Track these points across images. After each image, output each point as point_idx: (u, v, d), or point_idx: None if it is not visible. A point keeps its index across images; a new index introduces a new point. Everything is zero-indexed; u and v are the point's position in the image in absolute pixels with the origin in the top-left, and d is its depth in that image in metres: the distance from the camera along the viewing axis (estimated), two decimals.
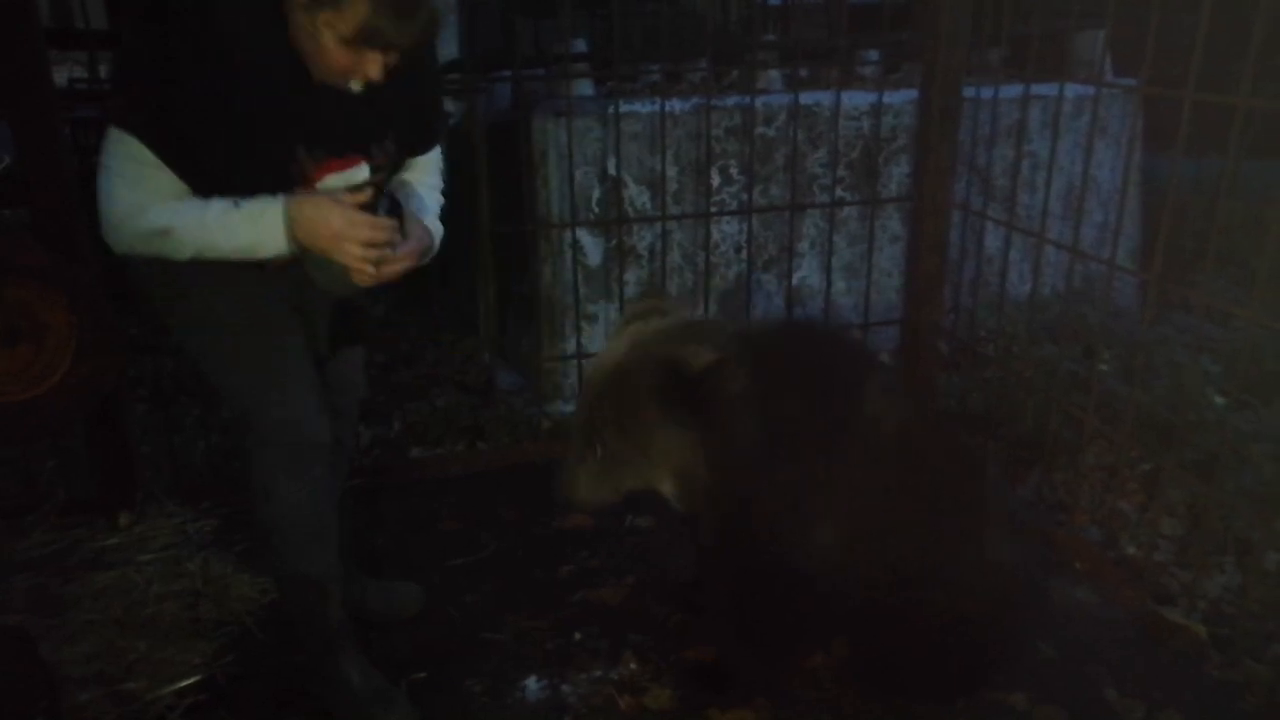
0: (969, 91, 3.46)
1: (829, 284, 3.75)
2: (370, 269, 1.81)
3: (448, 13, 5.50)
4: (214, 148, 1.72)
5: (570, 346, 3.62)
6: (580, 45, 4.00)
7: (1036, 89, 3.46)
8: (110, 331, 2.60)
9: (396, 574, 2.69)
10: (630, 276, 3.71)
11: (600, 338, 3.71)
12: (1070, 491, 3.01)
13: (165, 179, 1.72)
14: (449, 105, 4.85)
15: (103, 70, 4.25)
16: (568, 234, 3.57)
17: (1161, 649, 2.42)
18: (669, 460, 1.96)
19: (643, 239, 3.72)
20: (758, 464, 1.93)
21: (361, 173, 1.91)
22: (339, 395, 2.27)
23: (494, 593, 2.70)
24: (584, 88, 3.76)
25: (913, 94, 3.71)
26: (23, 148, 2.57)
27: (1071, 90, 3.85)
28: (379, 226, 1.79)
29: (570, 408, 3.65)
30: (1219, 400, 3.32)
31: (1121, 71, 4.19)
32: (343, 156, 1.88)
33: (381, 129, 1.94)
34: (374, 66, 1.74)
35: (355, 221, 1.76)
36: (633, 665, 2.38)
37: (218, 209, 1.74)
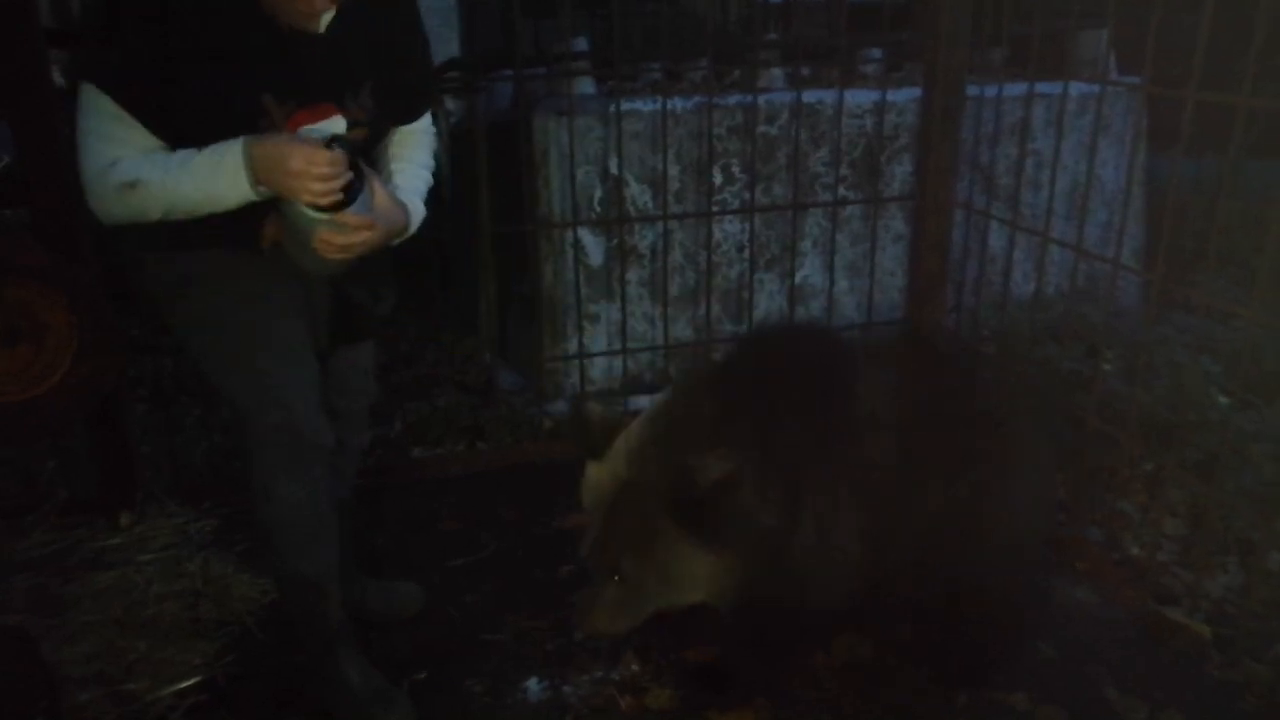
0: (972, 90, 3.46)
1: (831, 283, 3.75)
2: (337, 237, 1.76)
3: (448, 12, 5.50)
4: (181, 98, 1.69)
5: (572, 346, 3.62)
6: (581, 44, 4.00)
7: (1040, 87, 3.46)
8: (110, 331, 2.60)
9: (397, 574, 2.69)
10: (632, 276, 3.70)
11: (602, 337, 3.71)
12: (1072, 491, 3.00)
13: (137, 134, 1.70)
14: (449, 104, 4.84)
15: None
16: (569, 233, 3.57)
17: (1163, 649, 2.41)
18: (696, 581, 1.86)
19: (644, 238, 3.71)
20: (785, 543, 1.83)
21: (337, 125, 1.85)
22: (344, 398, 2.26)
23: (494, 593, 2.69)
24: (585, 86, 3.76)
25: (915, 92, 3.71)
26: (22, 147, 2.57)
27: (1075, 89, 3.84)
28: (338, 161, 1.71)
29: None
30: (1221, 400, 3.31)
31: (1125, 71, 4.18)
32: (313, 106, 1.81)
33: (356, 79, 1.89)
34: None
35: (315, 159, 1.69)
36: (634, 666, 2.38)
37: (181, 156, 1.71)
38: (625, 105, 3.49)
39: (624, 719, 2.23)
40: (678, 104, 3.60)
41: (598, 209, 3.63)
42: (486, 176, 3.86)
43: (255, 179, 1.72)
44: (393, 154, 2.14)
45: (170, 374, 3.72)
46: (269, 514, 2.09)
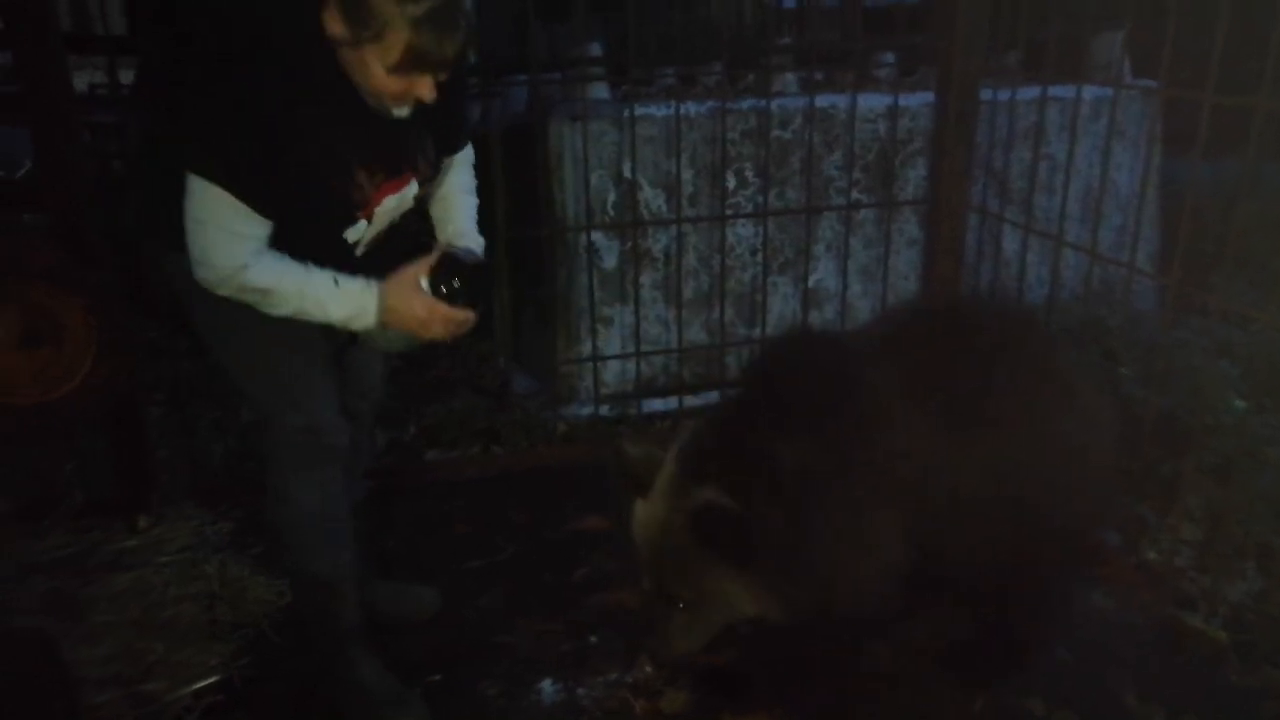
0: (986, 94, 3.45)
1: (845, 287, 3.74)
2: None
3: None
4: (286, 186, 1.77)
5: (585, 349, 3.63)
6: (595, 49, 4.01)
7: (1054, 91, 3.44)
8: (128, 334, 2.62)
9: (411, 577, 2.70)
10: (645, 279, 3.71)
11: (616, 341, 3.72)
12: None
13: (255, 224, 1.77)
14: None
15: (122, 76, 4.28)
16: (583, 237, 3.57)
17: (1181, 654, 2.40)
18: (741, 601, 1.89)
19: (658, 242, 3.71)
20: (812, 555, 1.85)
21: (411, 190, 2.00)
22: (355, 398, 2.27)
23: (508, 596, 2.70)
24: (599, 91, 3.77)
25: (929, 96, 3.70)
26: (41, 152, 2.59)
27: (1090, 92, 3.83)
28: (456, 320, 1.95)
29: (586, 410, 3.65)
30: (1238, 404, 3.29)
31: (1139, 74, 4.16)
32: (398, 176, 1.94)
33: (423, 139, 1.99)
34: (425, 88, 1.77)
35: (436, 317, 1.92)
36: (648, 669, 2.38)
37: (319, 283, 1.84)
38: (639, 110, 3.49)
39: None
40: (691, 108, 3.60)
41: (612, 213, 3.64)
42: (501, 181, 3.87)
43: (382, 322, 1.91)
44: (449, 184, 2.19)
45: (187, 377, 3.74)
46: (284, 514, 2.10)
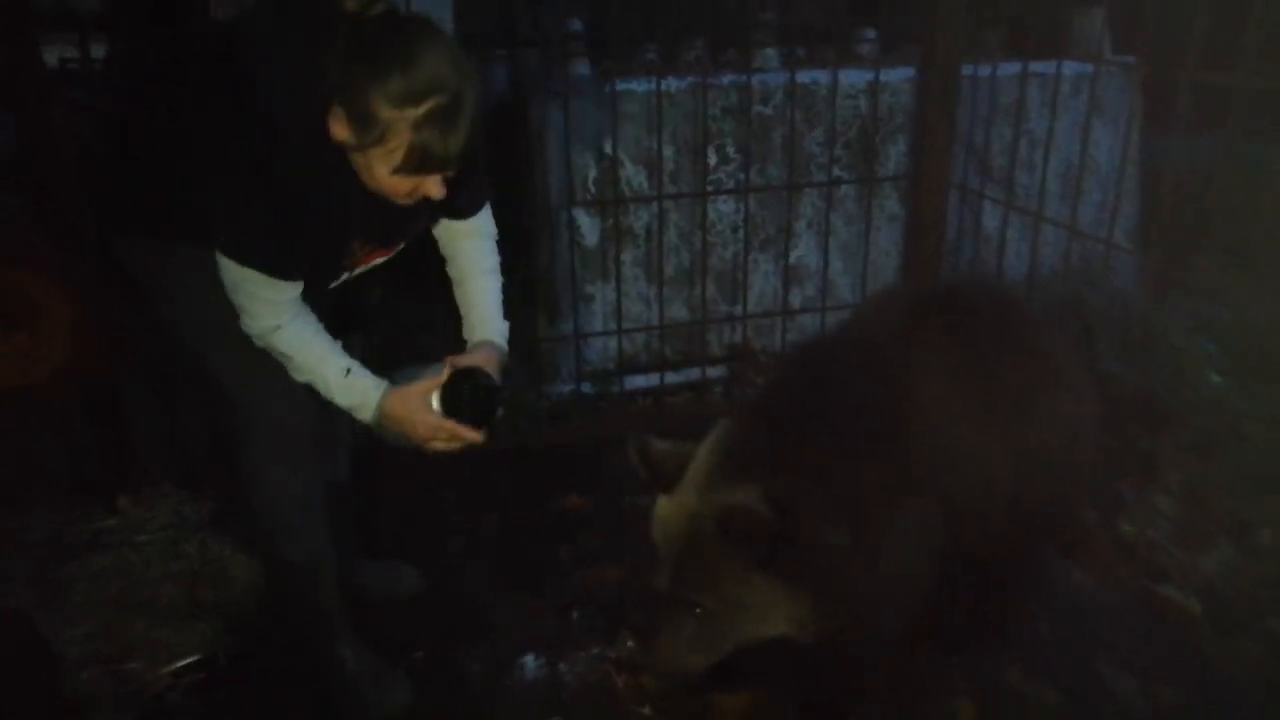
0: (967, 70, 3.45)
1: (826, 264, 3.75)
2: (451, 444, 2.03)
3: None
4: (300, 259, 1.85)
5: (567, 327, 3.62)
6: (576, 25, 3.98)
7: (1035, 67, 3.45)
8: (108, 316, 2.60)
9: (396, 555, 2.70)
10: (627, 257, 3.70)
11: (598, 318, 3.71)
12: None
13: (282, 288, 1.84)
14: None
15: (93, 50, 4.21)
16: (564, 214, 3.56)
17: (1156, 626, 2.43)
18: (773, 615, 1.77)
19: (639, 219, 3.71)
20: (859, 570, 1.76)
21: (398, 249, 2.08)
22: None
23: (491, 573, 2.70)
24: (580, 68, 3.74)
25: (910, 72, 3.70)
26: (21, 133, 2.56)
27: (1070, 68, 3.83)
28: (462, 436, 2.00)
29: (568, 388, 3.65)
30: (1216, 380, 3.32)
31: (1120, 51, 4.17)
32: (389, 246, 2.03)
33: (424, 214, 2.00)
34: (433, 187, 1.78)
35: (436, 432, 1.98)
36: (630, 644, 2.39)
37: (332, 367, 1.93)
38: (620, 86, 3.47)
39: (620, 697, 2.24)
40: (673, 84, 3.58)
41: (593, 190, 3.63)
42: (481, 159, 3.84)
43: (379, 422, 1.98)
44: (466, 264, 2.18)
45: (168, 358, 3.71)
46: (260, 502, 2.09)
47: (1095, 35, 3.93)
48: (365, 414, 1.97)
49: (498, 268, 2.22)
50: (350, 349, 2.29)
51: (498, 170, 3.72)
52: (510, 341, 2.22)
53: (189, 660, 2.33)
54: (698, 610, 1.78)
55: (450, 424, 1.98)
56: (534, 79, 3.67)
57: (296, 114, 1.73)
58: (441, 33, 1.72)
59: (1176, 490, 2.92)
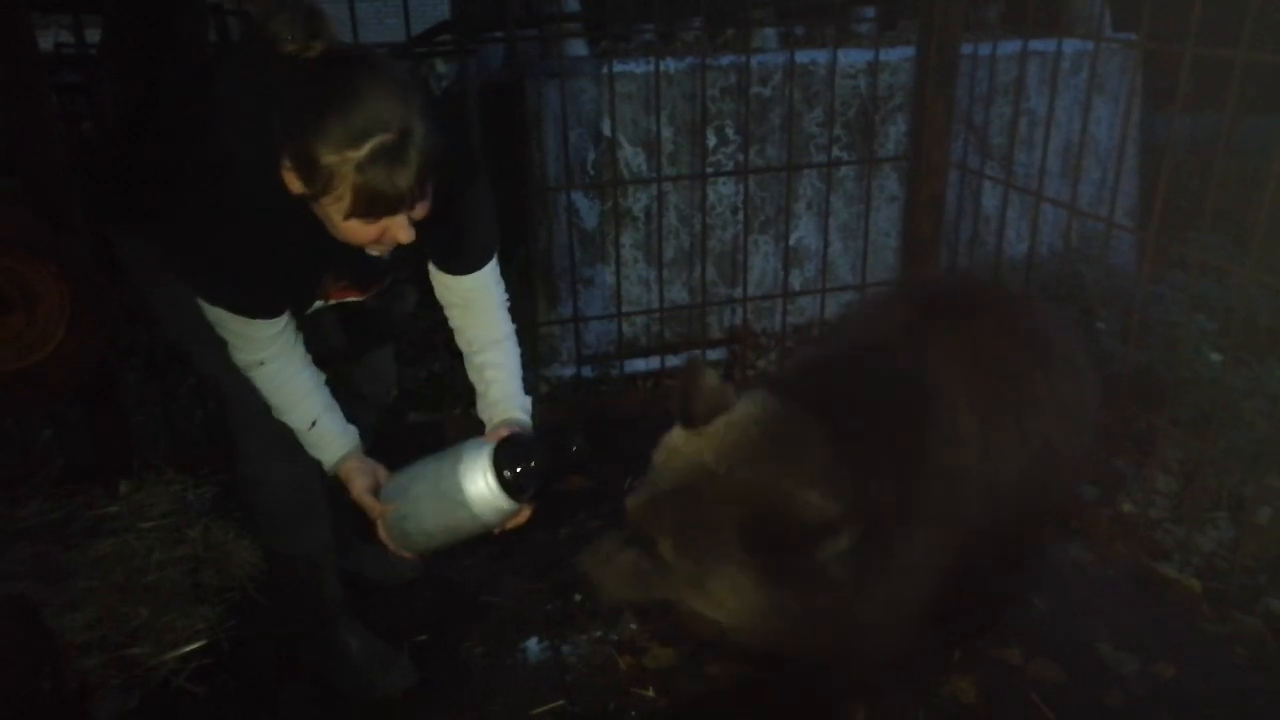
0: (966, 48, 3.43)
1: (826, 245, 3.74)
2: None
3: None
4: (266, 301, 1.84)
5: (566, 310, 3.62)
6: (573, 5, 3.95)
7: (1034, 45, 3.43)
8: (102, 300, 2.59)
9: None
10: (626, 239, 3.69)
11: (597, 301, 3.71)
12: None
13: (262, 325, 1.85)
14: (440, 67, 4.79)
15: (88, 36, 4.19)
16: (562, 196, 3.55)
17: (1155, 603, 2.44)
18: (730, 605, 1.67)
19: (638, 201, 3.69)
20: (850, 603, 1.67)
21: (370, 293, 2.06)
22: (373, 385, 2.33)
23: (493, 556, 2.71)
24: (577, 48, 3.72)
25: (910, 51, 3.68)
26: (9, 116, 2.54)
27: (1070, 46, 3.81)
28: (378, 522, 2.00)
29: (568, 371, 3.65)
30: (1214, 357, 3.33)
31: (1120, 28, 4.15)
32: (362, 289, 2.01)
33: (402, 263, 1.98)
34: (399, 230, 1.69)
35: (373, 513, 1.99)
36: (632, 626, 2.40)
37: (299, 416, 1.95)
38: (618, 67, 3.45)
39: (623, 678, 2.25)
40: (671, 65, 3.56)
41: (591, 172, 3.61)
42: (478, 140, 3.83)
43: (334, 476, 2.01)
44: (478, 337, 2.09)
45: (164, 343, 3.70)
46: (259, 498, 2.09)
47: (1095, 12, 3.91)
48: (325, 467, 2.01)
49: (513, 334, 2.12)
50: (383, 361, 2.34)
51: (495, 152, 3.72)
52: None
53: (193, 645, 2.34)
54: (652, 549, 1.68)
55: (381, 512, 1.96)
56: (530, 60, 3.65)
57: (249, 169, 1.67)
58: (384, 65, 1.64)
59: (1175, 468, 2.93)
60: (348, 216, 1.64)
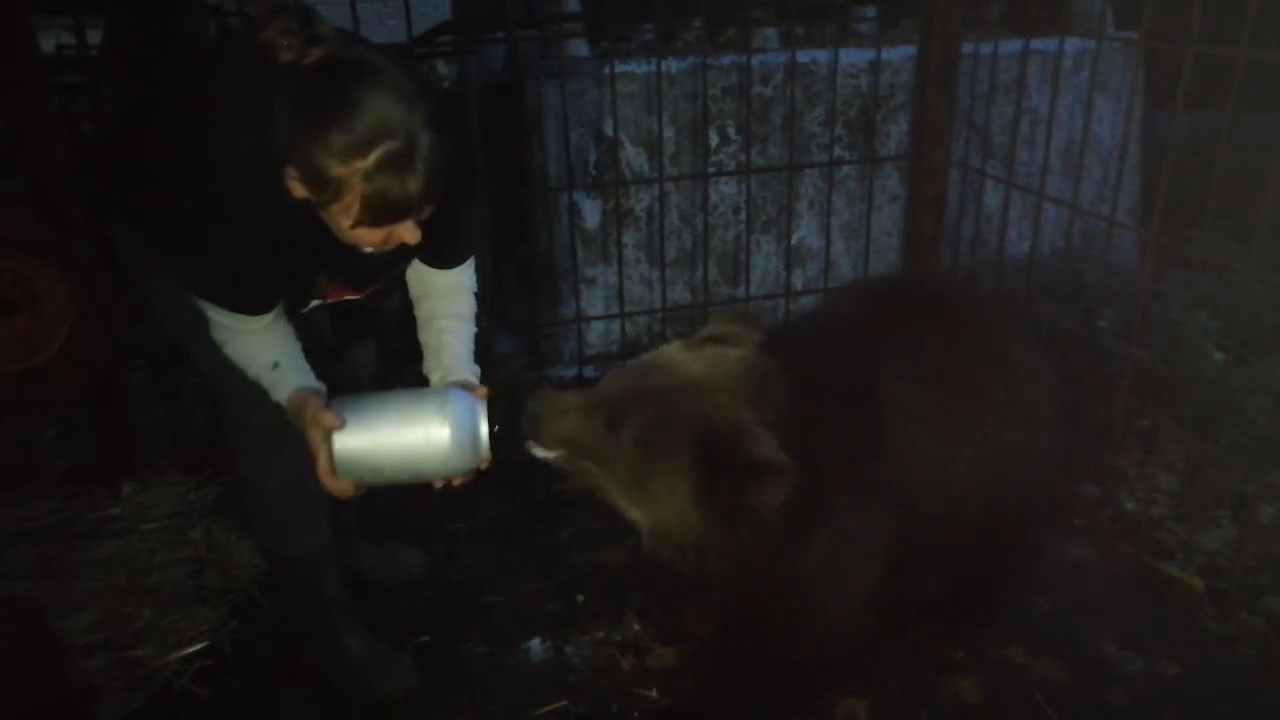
0: (968, 47, 3.43)
1: (828, 244, 3.74)
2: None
3: None
4: (257, 299, 1.84)
5: (569, 310, 3.62)
6: (574, 5, 3.95)
7: (1036, 44, 3.42)
8: (106, 300, 2.59)
9: (399, 539, 2.70)
10: (628, 239, 3.69)
11: (600, 301, 3.71)
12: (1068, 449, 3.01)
13: (241, 320, 1.83)
14: (441, 68, 4.78)
15: (90, 37, 4.20)
16: (564, 197, 3.55)
17: (1158, 603, 2.44)
18: (663, 513, 1.75)
19: (640, 201, 3.69)
20: (787, 556, 1.78)
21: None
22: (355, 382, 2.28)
23: (496, 556, 2.71)
24: (578, 49, 3.72)
25: (911, 50, 3.67)
26: (11, 116, 2.54)
27: (1071, 45, 3.81)
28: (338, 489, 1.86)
29: (570, 371, 3.65)
30: (1217, 356, 3.32)
31: (1121, 27, 4.14)
32: (358, 289, 2.00)
33: (399, 258, 1.94)
34: (406, 232, 1.69)
35: (324, 425, 1.79)
36: (635, 626, 2.40)
37: (264, 361, 1.87)
38: (619, 67, 3.45)
39: (626, 679, 2.25)
40: (672, 65, 3.56)
41: (593, 172, 3.61)
42: (479, 141, 3.82)
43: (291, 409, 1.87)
44: (440, 307, 2.08)
45: (167, 343, 3.71)
46: (257, 500, 2.10)
47: (1096, 11, 3.91)
48: (285, 397, 1.88)
49: (474, 318, 2.13)
50: (363, 356, 2.33)
51: (496, 153, 3.72)
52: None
53: (196, 647, 2.34)
54: (615, 429, 1.73)
55: (335, 426, 1.79)
56: (531, 60, 3.65)
57: (248, 169, 1.66)
58: (385, 69, 1.60)
59: (1178, 467, 2.93)
60: (355, 225, 1.63)
